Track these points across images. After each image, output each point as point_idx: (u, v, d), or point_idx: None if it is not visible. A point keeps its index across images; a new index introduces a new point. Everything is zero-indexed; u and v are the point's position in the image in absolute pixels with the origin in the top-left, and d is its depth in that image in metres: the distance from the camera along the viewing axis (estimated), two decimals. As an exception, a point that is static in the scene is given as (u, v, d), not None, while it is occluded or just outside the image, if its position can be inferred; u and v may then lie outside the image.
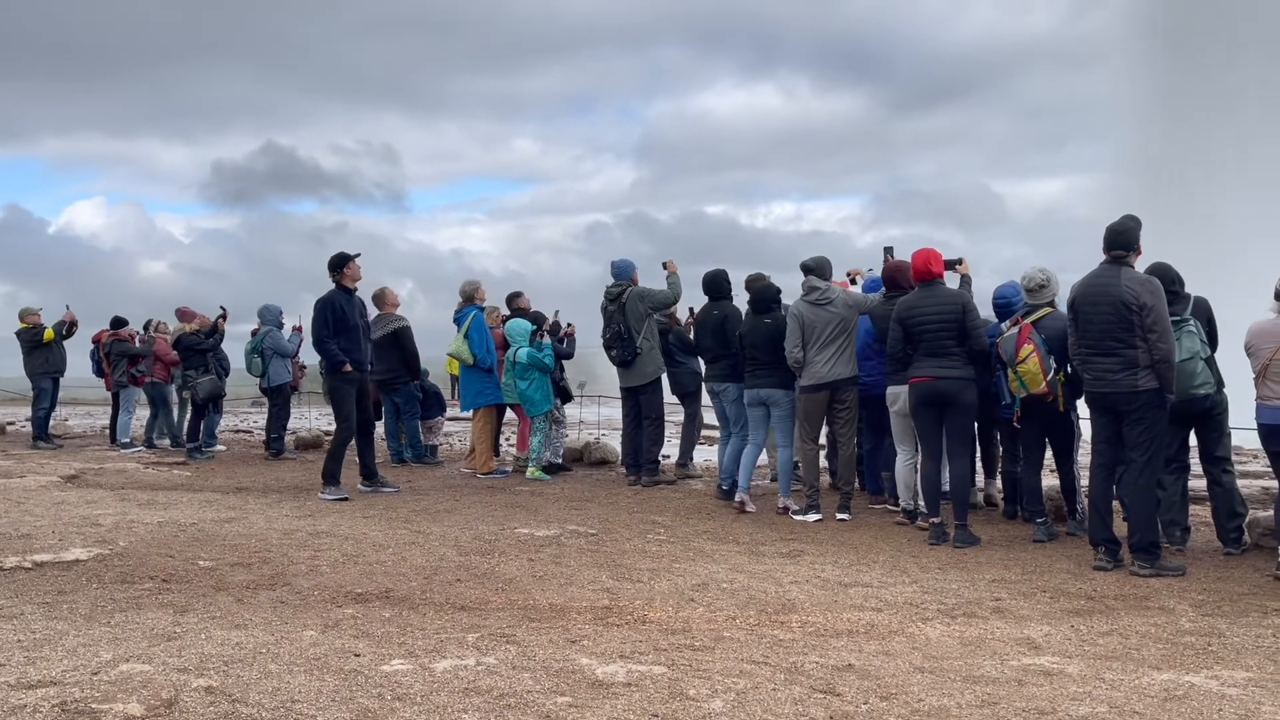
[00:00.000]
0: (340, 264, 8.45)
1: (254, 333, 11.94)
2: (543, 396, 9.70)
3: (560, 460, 10.36)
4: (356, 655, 3.78)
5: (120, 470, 10.09)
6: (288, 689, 3.38)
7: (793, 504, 7.77)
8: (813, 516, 7.55)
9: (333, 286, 8.45)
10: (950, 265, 7.27)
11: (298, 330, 11.88)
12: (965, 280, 7.26)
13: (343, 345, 8.28)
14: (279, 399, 11.98)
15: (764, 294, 8.17)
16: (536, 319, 10.39)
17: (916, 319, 6.82)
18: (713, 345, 8.57)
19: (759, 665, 3.85)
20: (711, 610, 4.79)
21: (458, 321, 10.12)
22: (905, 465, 7.44)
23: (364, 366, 8.50)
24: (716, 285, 8.71)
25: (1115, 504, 6.14)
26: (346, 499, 8.09)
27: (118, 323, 12.97)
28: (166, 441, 12.84)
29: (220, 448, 12.53)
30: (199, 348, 11.69)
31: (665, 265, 9.27)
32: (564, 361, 10.26)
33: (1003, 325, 7.04)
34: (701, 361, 9.08)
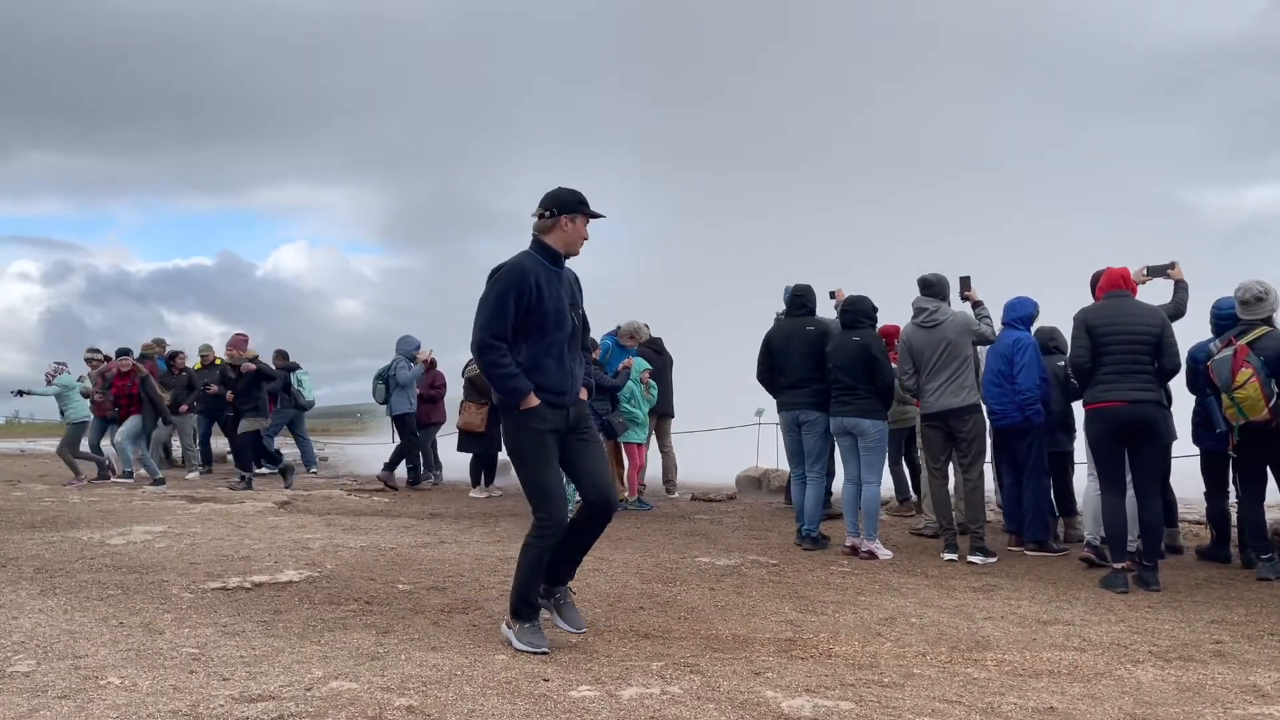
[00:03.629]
0: (572, 205, 4.48)
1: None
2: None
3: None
4: (545, 680, 3.87)
5: (326, 497, 10.77)
6: (482, 711, 3.49)
7: (879, 548, 7.13)
8: (949, 555, 7.07)
9: (528, 246, 4.51)
10: (1160, 272, 6.80)
11: (425, 364, 12.52)
12: (1180, 286, 6.73)
13: (526, 360, 4.38)
14: (403, 429, 12.60)
15: (855, 306, 7.30)
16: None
17: (1112, 330, 6.11)
18: (800, 367, 7.53)
19: (952, 705, 3.69)
20: (900, 645, 4.63)
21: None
22: (1097, 495, 6.49)
23: (566, 400, 4.47)
24: (801, 299, 7.86)
25: None
26: (545, 652, 4.29)
27: (122, 353, 13.06)
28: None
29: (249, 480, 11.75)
30: (230, 385, 11.88)
31: (833, 295, 8.57)
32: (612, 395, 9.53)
33: (1213, 345, 6.51)
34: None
